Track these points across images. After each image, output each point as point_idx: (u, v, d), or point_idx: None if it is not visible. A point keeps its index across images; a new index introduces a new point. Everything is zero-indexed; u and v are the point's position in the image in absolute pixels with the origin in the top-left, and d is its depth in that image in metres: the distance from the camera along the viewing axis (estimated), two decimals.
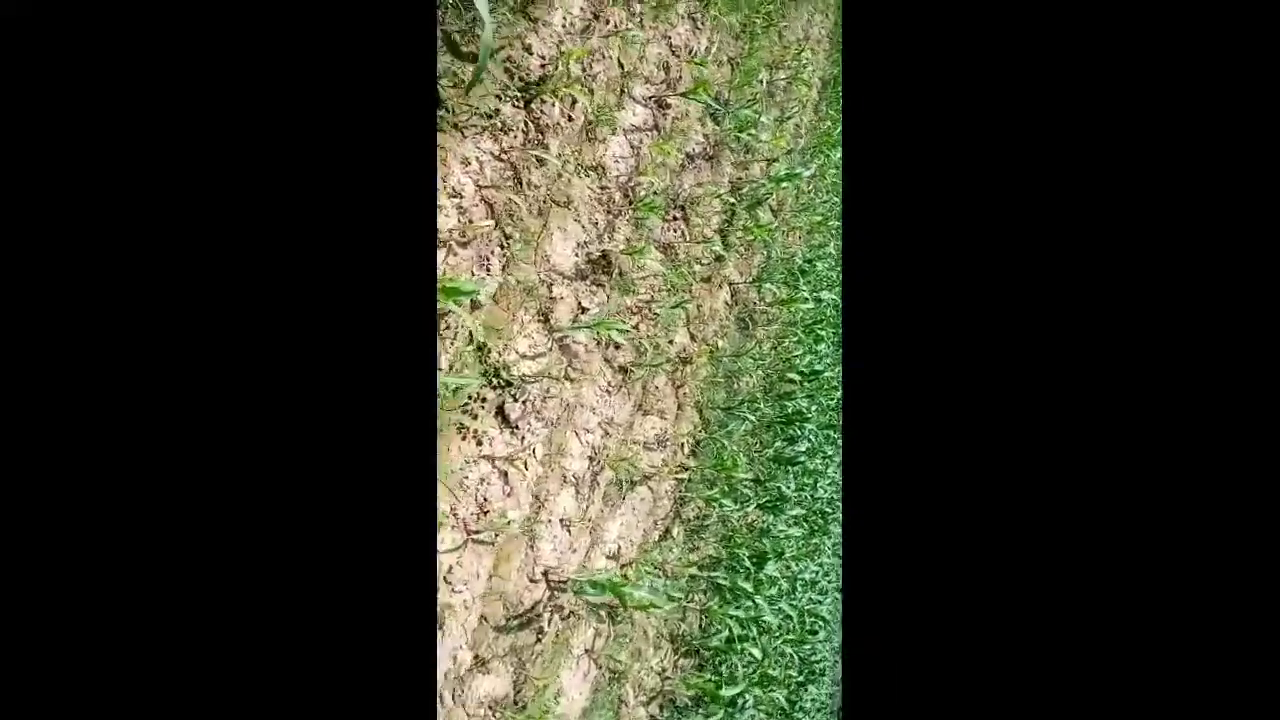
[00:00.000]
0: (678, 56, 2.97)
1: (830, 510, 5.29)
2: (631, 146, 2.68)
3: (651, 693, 3.13)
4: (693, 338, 3.47)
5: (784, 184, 3.92)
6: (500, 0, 2.10)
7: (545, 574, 2.18)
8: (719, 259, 3.63)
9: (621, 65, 2.78)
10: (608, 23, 2.66)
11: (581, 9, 2.40)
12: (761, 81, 4.15)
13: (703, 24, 3.27)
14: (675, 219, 3.17)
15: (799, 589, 4.68)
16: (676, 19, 3.10)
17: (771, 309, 4.29)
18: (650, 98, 2.86)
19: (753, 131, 3.51)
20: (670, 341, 3.17)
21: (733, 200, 3.83)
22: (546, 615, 2.19)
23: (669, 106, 2.95)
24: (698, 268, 3.45)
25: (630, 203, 2.48)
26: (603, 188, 2.52)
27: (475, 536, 1.97)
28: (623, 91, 2.75)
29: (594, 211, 2.48)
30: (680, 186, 3.17)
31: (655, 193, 2.89)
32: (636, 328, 2.81)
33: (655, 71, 2.93)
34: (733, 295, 4.10)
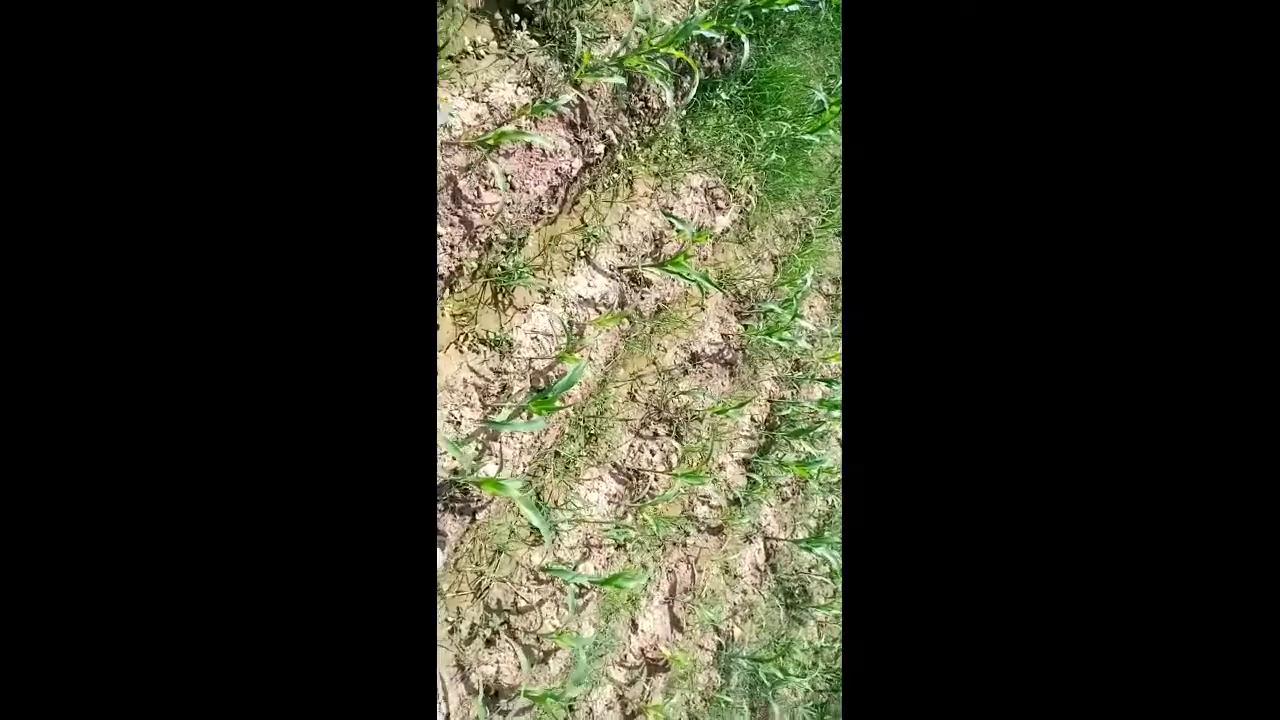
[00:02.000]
0: (674, 229, 2.12)
1: None
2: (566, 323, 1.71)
3: None
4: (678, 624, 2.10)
5: (835, 411, 2.75)
6: None
7: None
8: (738, 503, 2.40)
9: (584, 222, 1.96)
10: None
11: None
12: (812, 286, 3.23)
13: (725, 201, 2.49)
14: (654, 435, 2.05)
15: None
16: (686, 190, 2.33)
17: (828, 579, 2.84)
18: (622, 268, 1.97)
19: (787, 335, 2.47)
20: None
21: (764, 422, 2.68)
22: None
23: (646, 283, 2.03)
24: (699, 513, 2.23)
25: (546, 398, 1.44)
26: (498, 372, 1.53)
27: None
28: (580, 254, 1.89)
29: (473, 405, 1.46)
30: (671, 392, 2.12)
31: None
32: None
33: (639, 241, 2.09)
34: (769, 554, 2.74)
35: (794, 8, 2.21)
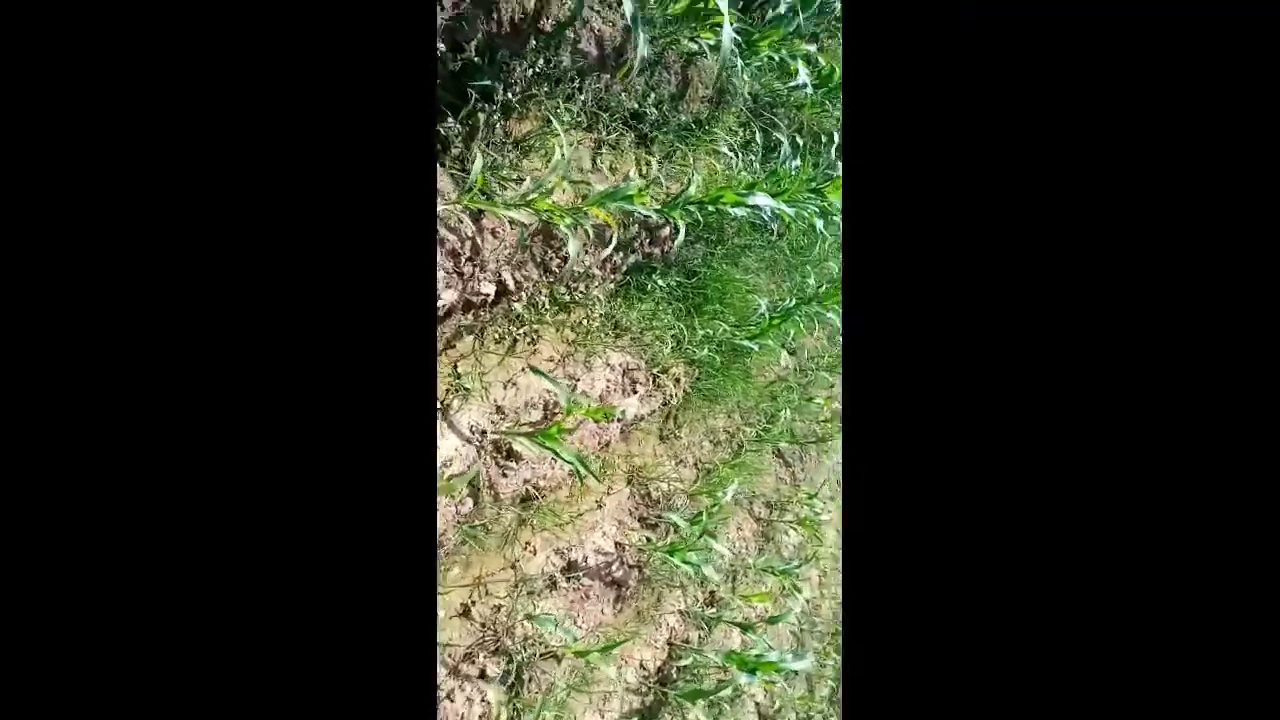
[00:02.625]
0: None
1: None
2: None
3: None
4: None
5: (767, 676, 2.11)
6: None
7: None
8: None
9: (455, 370, 1.56)
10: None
11: None
12: (739, 505, 2.78)
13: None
14: (480, 673, 1.41)
15: None
16: (600, 365, 2.01)
17: None
18: (486, 432, 1.53)
19: (692, 559, 1.96)
20: None
21: (656, 672, 2.03)
22: None
23: (514, 457, 1.57)
24: None
25: None
26: None
27: None
28: (438, 405, 1.46)
29: None
30: (521, 610, 1.53)
31: None
32: None
33: (521, 407, 1.69)
34: None
35: (741, 211, 2.12)
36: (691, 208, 2.01)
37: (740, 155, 2.33)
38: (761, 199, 1.96)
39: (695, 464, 2.50)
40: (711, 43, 2.00)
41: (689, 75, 2.16)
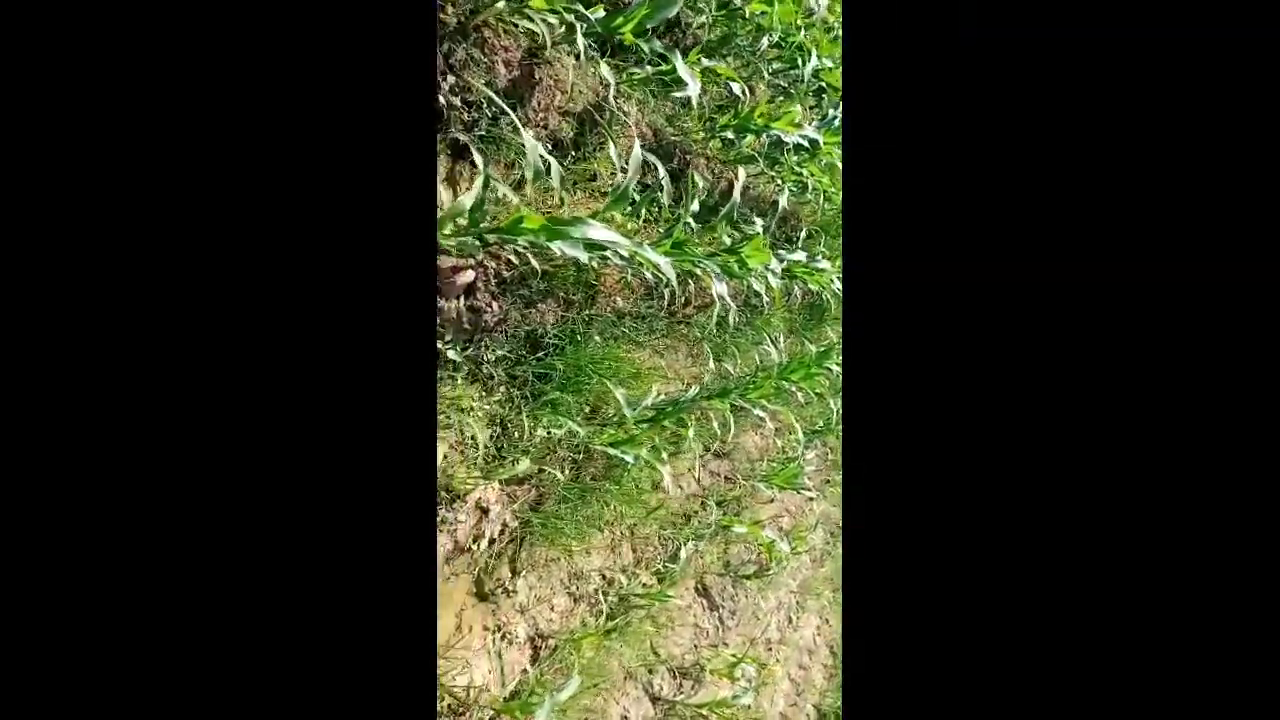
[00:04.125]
0: None
1: None
2: None
3: None
4: None
5: None
6: None
7: None
8: None
9: None
10: None
11: None
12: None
13: None
14: None
15: None
16: None
17: None
18: None
19: None
20: None
21: None
22: None
23: None
24: None
25: None
26: None
27: None
28: None
29: None
30: None
31: None
32: None
33: None
34: None
35: (570, 249, 1.35)
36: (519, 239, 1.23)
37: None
38: (600, 233, 1.17)
39: (530, 637, 1.56)
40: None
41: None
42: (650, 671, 2.15)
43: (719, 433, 2.04)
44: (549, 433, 1.43)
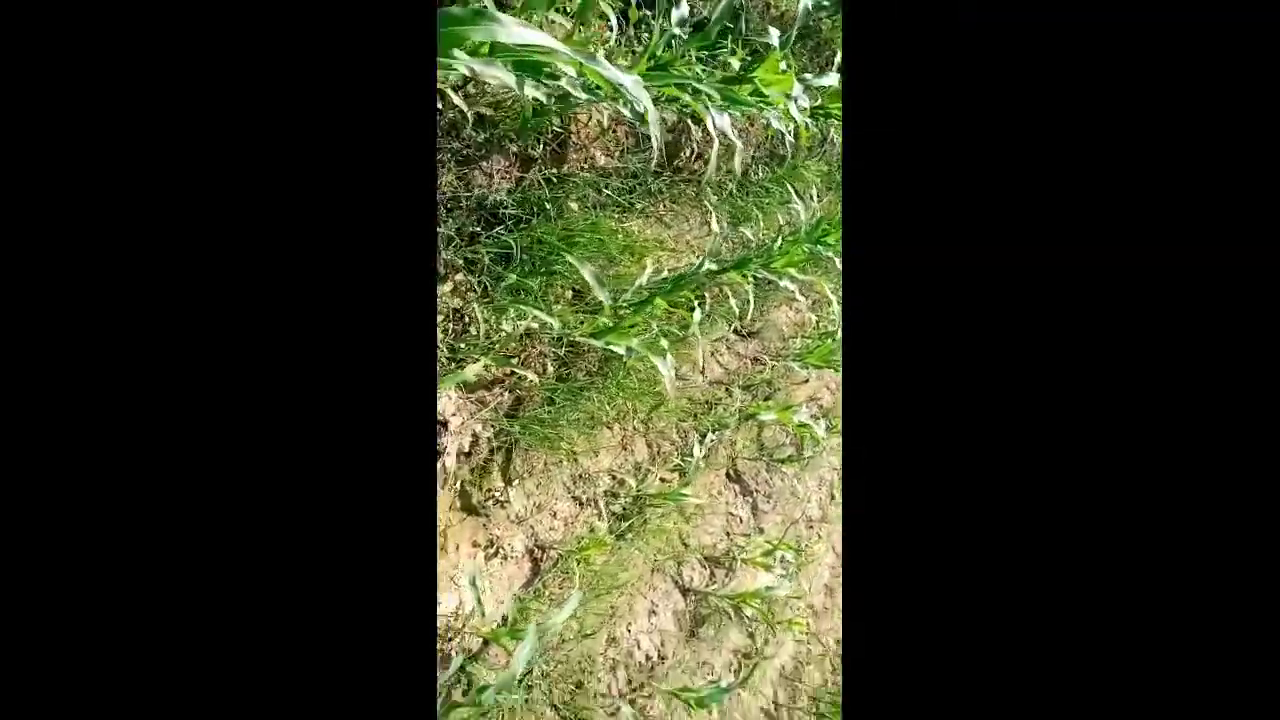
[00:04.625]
0: None
1: None
2: None
3: None
4: None
5: None
6: None
7: None
8: None
9: None
10: None
11: None
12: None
13: None
14: None
15: None
16: None
17: None
18: None
19: None
20: None
21: None
22: None
23: None
24: None
25: None
26: None
27: None
28: None
29: None
30: None
31: None
32: None
33: None
34: None
35: (533, 92, 0.99)
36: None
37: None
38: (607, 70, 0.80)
39: (529, 549, 1.40)
40: None
41: None
42: (679, 563, 2.03)
43: (738, 311, 1.73)
44: (514, 327, 1.16)
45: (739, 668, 2.23)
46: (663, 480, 1.75)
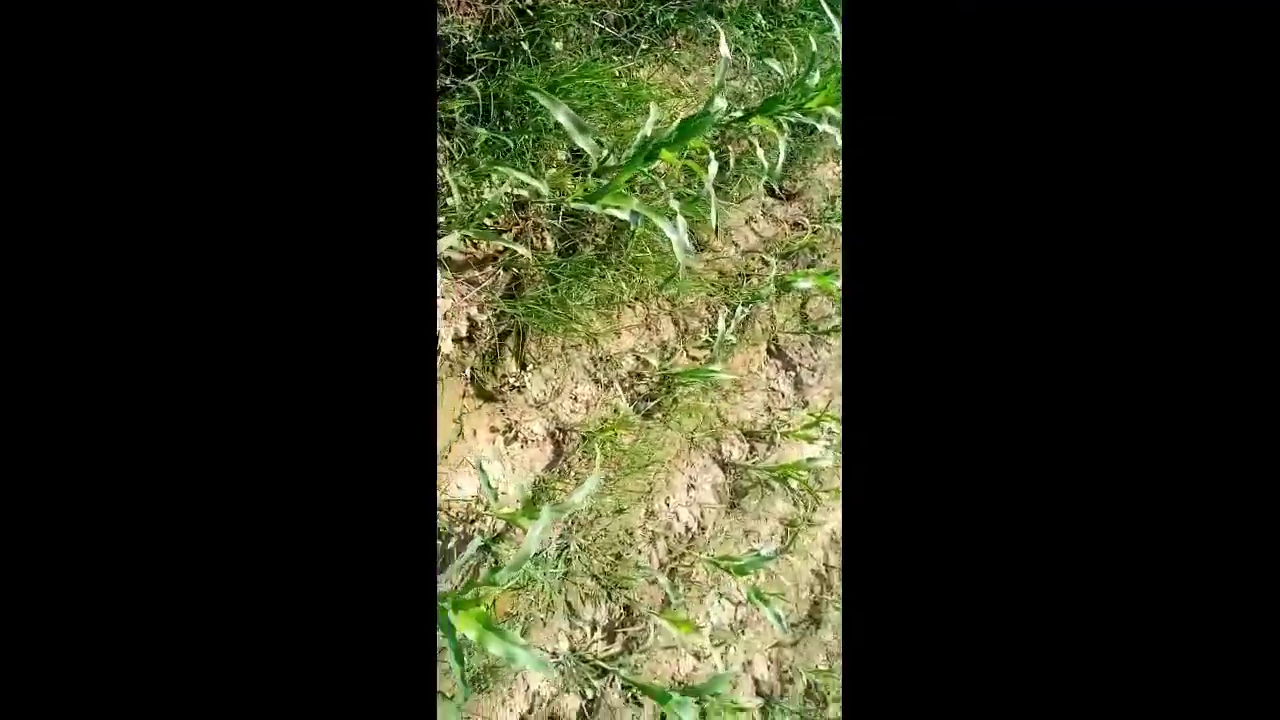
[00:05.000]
0: None
1: None
2: None
3: None
4: None
5: None
6: None
7: None
8: None
9: None
10: None
11: None
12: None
13: None
14: None
15: None
16: None
17: None
18: None
19: None
20: None
21: None
22: None
23: None
24: None
25: None
26: None
27: None
28: None
29: None
30: None
31: None
32: None
33: None
34: None
35: None
36: None
37: None
38: None
39: (551, 432, 1.36)
40: None
41: None
42: (718, 439, 1.98)
43: (765, 164, 1.51)
44: (496, 194, 1.02)
45: (785, 536, 2.24)
46: (691, 358, 1.65)
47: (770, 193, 2.25)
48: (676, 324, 1.69)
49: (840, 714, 2.46)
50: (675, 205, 1.11)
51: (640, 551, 1.60)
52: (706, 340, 1.64)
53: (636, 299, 1.58)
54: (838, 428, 2.20)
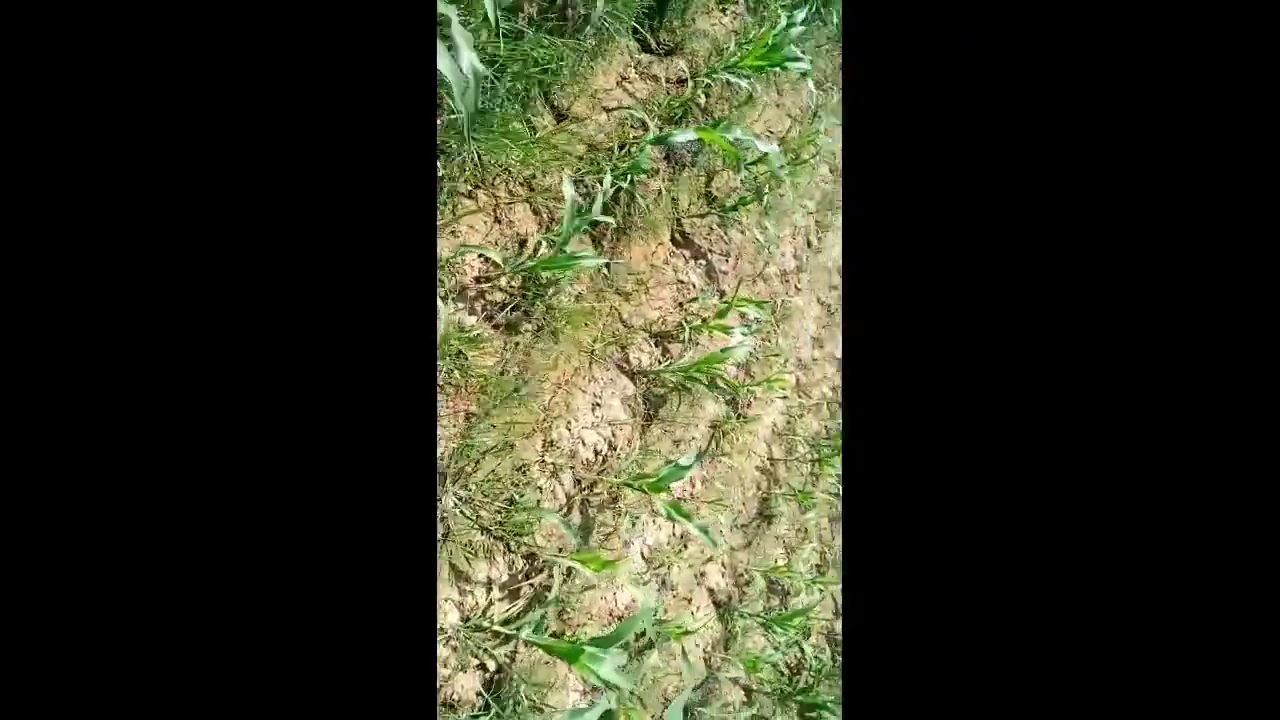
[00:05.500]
0: None
1: None
2: None
3: None
4: None
5: None
6: None
7: None
8: None
9: None
10: None
11: None
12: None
13: None
14: None
15: None
16: None
17: None
18: None
19: None
20: None
21: None
22: None
23: None
24: None
25: None
26: None
27: None
28: None
29: None
30: None
31: None
32: None
33: None
34: None
35: None
36: None
37: None
38: None
39: None
40: None
41: None
42: (623, 347, 1.70)
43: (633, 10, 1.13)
44: None
45: (718, 439, 2.04)
46: (563, 255, 1.33)
47: (645, 47, 1.86)
48: (537, 212, 1.35)
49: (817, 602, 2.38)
50: (452, 14, 0.75)
51: (540, 489, 1.34)
52: (577, 226, 1.31)
53: (475, 186, 1.22)
54: (756, 311, 1.95)
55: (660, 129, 1.61)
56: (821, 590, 2.52)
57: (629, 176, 1.42)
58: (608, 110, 1.60)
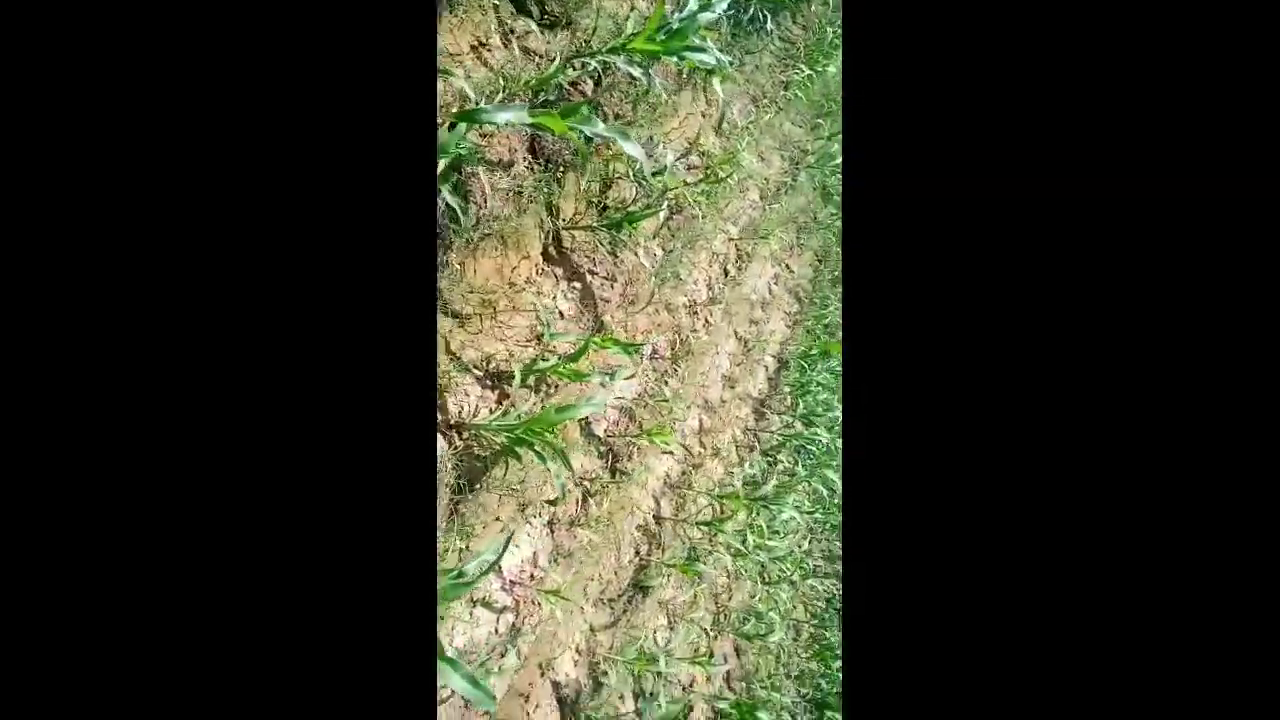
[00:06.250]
0: None
1: None
2: None
3: None
4: None
5: None
6: None
7: None
8: None
9: None
10: None
11: None
12: None
13: None
14: None
15: None
16: None
17: None
18: None
19: None
20: None
21: None
22: None
23: None
24: None
25: None
26: None
27: None
28: None
29: None
30: None
31: None
32: None
33: None
34: None
35: None
36: None
37: None
38: None
39: None
40: None
41: None
42: (441, 390, 1.28)
43: None
44: None
45: (581, 500, 1.64)
46: None
47: (521, 8, 1.46)
48: None
49: None
50: None
51: None
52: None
53: None
54: (625, 355, 1.56)
55: (528, 108, 1.20)
56: (706, 669, 2.14)
57: (461, 165, 1.00)
58: (443, 75, 1.18)
